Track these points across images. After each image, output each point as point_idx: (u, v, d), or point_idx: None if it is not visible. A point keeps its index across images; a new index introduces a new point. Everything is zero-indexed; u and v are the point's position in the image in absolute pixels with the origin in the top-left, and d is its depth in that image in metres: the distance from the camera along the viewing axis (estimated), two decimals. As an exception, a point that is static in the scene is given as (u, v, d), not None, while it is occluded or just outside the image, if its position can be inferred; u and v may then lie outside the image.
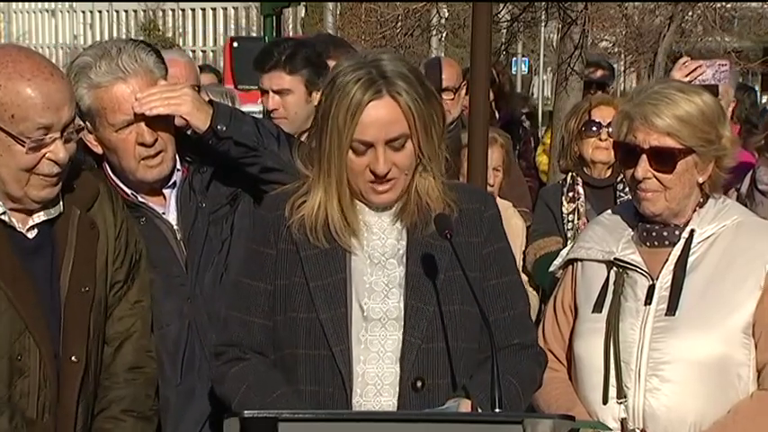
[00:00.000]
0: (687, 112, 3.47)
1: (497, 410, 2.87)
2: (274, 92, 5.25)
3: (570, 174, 5.47)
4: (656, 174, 3.49)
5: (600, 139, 5.39)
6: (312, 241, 3.25)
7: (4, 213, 3.31)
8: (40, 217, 3.36)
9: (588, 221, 5.16)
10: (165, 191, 3.83)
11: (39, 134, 3.22)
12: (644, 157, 3.48)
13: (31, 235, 3.35)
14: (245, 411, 2.66)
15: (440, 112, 3.28)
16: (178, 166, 3.84)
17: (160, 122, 3.68)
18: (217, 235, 3.83)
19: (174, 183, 3.82)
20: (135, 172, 3.71)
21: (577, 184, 5.42)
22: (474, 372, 3.22)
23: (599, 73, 9.74)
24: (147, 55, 3.69)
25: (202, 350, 3.75)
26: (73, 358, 3.33)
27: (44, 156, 3.25)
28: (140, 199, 3.78)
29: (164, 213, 3.80)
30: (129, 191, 3.76)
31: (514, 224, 5.49)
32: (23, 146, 3.21)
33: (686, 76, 5.60)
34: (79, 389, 3.35)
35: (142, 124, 3.65)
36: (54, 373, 3.29)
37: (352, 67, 3.20)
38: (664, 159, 3.48)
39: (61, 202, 3.39)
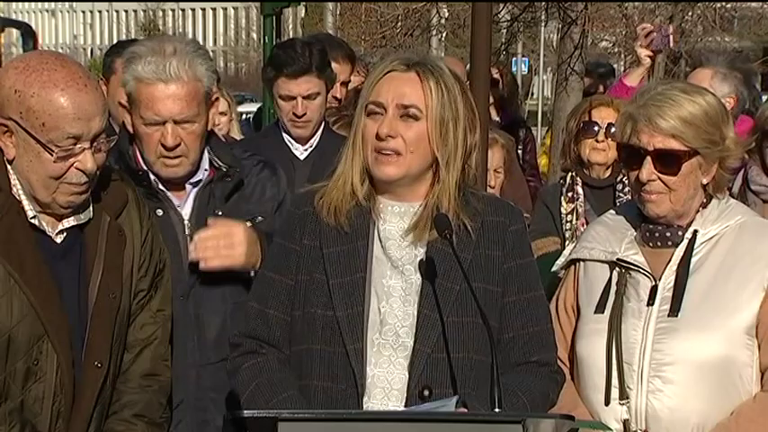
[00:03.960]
0: (691, 113, 3.46)
1: (497, 410, 2.86)
2: (304, 97, 5.24)
3: (570, 174, 5.45)
4: (660, 176, 3.48)
5: (597, 141, 5.37)
6: (335, 224, 3.26)
7: (34, 217, 3.30)
8: (69, 222, 3.35)
9: (587, 222, 5.15)
10: (188, 185, 3.87)
11: (68, 144, 3.21)
12: (648, 159, 3.47)
13: (59, 239, 3.35)
14: (245, 411, 2.66)
15: (472, 125, 3.32)
16: (206, 166, 3.88)
17: (188, 129, 3.73)
18: None
19: (200, 181, 3.86)
20: (153, 165, 3.79)
21: (577, 185, 5.40)
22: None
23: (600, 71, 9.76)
24: (202, 62, 3.75)
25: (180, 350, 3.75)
26: (97, 363, 3.33)
27: (72, 165, 3.24)
28: (161, 186, 3.82)
29: (179, 206, 3.84)
30: (152, 177, 3.81)
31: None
32: (52, 154, 3.21)
33: (645, 38, 6.37)
34: (98, 394, 3.35)
35: (168, 127, 3.71)
36: (70, 379, 3.29)
37: (400, 53, 3.39)
38: (668, 161, 3.47)
39: (91, 208, 3.38)
